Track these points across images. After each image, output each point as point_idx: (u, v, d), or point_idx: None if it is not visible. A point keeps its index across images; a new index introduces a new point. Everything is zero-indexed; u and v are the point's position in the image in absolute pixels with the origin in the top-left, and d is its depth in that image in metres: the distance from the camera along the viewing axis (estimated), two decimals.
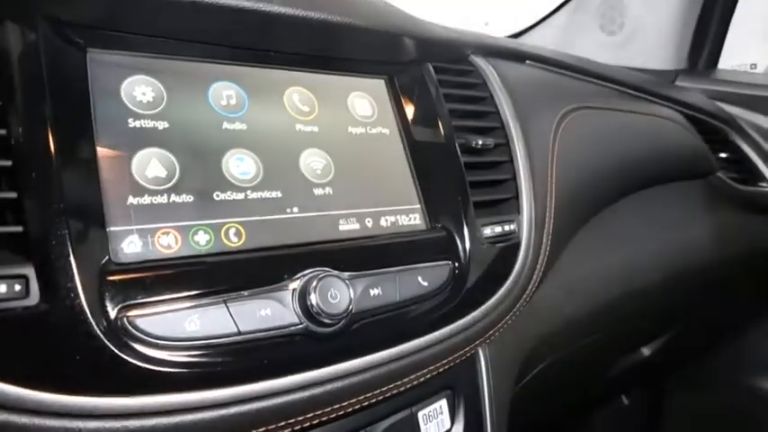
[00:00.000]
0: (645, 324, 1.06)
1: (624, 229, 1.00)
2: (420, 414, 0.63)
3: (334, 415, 0.54)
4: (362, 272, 0.56)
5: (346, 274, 0.55)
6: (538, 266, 0.73)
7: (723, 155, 1.33)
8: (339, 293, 0.53)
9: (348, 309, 0.53)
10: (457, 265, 0.63)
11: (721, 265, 1.17)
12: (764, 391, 1.48)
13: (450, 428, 0.66)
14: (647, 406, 1.67)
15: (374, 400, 0.57)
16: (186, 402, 0.45)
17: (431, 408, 0.64)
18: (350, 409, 0.55)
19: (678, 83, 1.52)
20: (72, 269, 0.43)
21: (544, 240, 0.76)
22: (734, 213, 1.26)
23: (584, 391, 1.18)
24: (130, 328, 0.44)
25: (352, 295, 0.53)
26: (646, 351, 1.25)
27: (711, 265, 1.14)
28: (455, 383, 0.67)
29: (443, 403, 0.66)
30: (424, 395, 0.64)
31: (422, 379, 0.60)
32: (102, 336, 0.43)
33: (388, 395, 0.58)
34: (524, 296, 0.70)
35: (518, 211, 0.73)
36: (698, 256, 1.10)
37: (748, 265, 1.28)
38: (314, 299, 0.51)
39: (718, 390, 1.54)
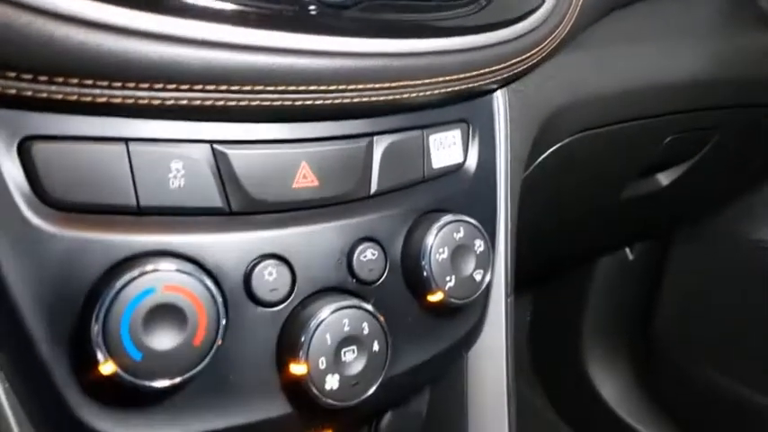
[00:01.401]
0: (669, 134, 1.01)
1: (655, 26, 0.92)
2: (431, 138, 0.58)
3: (338, 100, 0.49)
4: None
5: None
6: (570, 11, 0.66)
7: None
8: None
9: None
10: None
11: (753, 87, 1.09)
12: None
13: (463, 163, 0.61)
14: (651, 261, 1.65)
15: (381, 98, 0.51)
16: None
17: (443, 134, 0.59)
18: (355, 99, 0.50)
19: None
20: None
21: None
22: None
23: (597, 208, 1.14)
24: None
25: None
26: (664, 180, 1.20)
27: (743, 86, 1.06)
28: (470, 118, 0.62)
29: (457, 134, 0.60)
30: (438, 122, 0.59)
31: (435, 91, 0.55)
32: None
33: (396, 97, 0.52)
34: (553, 36, 0.64)
35: None
36: (729, 72, 1.02)
37: None
38: None
39: (724, 244, 1.51)
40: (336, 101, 0.50)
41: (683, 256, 1.59)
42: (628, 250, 1.67)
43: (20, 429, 0.42)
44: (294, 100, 0.47)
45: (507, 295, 0.67)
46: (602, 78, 0.79)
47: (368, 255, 0.53)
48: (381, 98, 0.52)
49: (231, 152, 0.47)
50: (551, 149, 0.80)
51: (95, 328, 0.39)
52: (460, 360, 0.67)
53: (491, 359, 0.67)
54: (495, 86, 0.64)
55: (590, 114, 0.80)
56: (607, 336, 1.72)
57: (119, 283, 0.40)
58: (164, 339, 0.41)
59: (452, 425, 0.68)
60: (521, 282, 0.72)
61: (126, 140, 0.43)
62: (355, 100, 0.51)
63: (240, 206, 0.48)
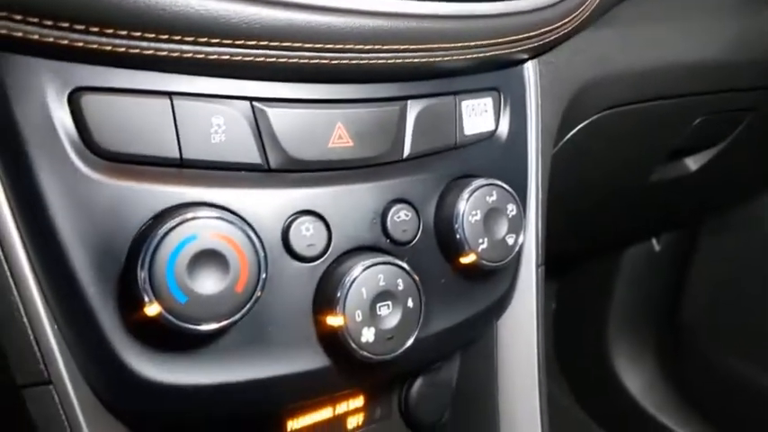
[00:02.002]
0: (699, 115, 1.00)
1: (677, 6, 0.91)
2: (464, 104, 0.59)
3: (373, 61, 0.50)
4: None
5: None
6: None
7: None
8: None
9: None
10: None
11: None
12: None
13: (495, 130, 0.62)
14: (677, 252, 1.64)
15: (414, 60, 0.52)
16: None
17: (475, 102, 0.60)
18: (390, 60, 0.51)
19: None
20: None
21: None
22: None
23: (624, 191, 1.13)
24: None
25: None
26: (693, 165, 1.19)
27: None
28: (502, 87, 0.62)
29: (489, 102, 0.61)
30: (470, 89, 0.60)
31: (467, 56, 0.55)
32: None
33: (429, 60, 0.53)
34: (583, 7, 0.64)
35: None
36: (753, 53, 1.01)
37: None
38: None
39: (754, 234, 1.49)
40: (372, 61, 0.51)
41: (712, 246, 1.57)
42: (654, 241, 1.66)
43: (67, 371, 0.44)
44: (331, 59, 0.49)
45: (538, 265, 0.67)
46: (630, 56, 0.79)
47: (401, 216, 0.54)
48: (415, 60, 0.53)
49: (270, 110, 0.48)
50: (580, 126, 0.80)
51: (142, 272, 0.41)
52: (491, 328, 0.67)
53: (522, 329, 0.67)
54: (526, 56, 0.64)
55: (619, 91, 0.80)
56: (633, 328, 1.70)
57: (163, 230, 0.41)
58: (208, 284, 0.42)
59: (483, 394, 0.69)
60: (548, 265, 0.72)
61: (170, 95, 0.45)
62: (390, 61, 0.52)
63: (278, 163, 0.49)
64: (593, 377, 1.73)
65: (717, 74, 0.95)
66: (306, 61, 0.48)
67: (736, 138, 1.15)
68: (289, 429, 0.60)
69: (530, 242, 0.66)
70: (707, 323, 1.58)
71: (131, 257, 0.42)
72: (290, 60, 0.47)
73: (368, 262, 0.49)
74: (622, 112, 0.84)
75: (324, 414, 0.62)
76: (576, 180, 0.93)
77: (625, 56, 0.80)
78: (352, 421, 0.64)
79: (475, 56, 0.57)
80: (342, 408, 0.63)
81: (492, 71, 0.62)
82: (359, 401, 0.64)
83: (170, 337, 0.43)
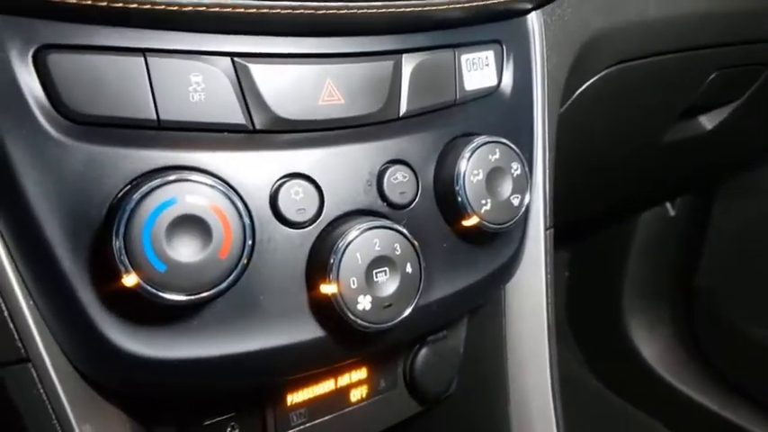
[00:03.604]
0: (714, 69, 0.95)
1: None
2: (463, 58, 0.55)
3: (364, 10, 0.47)
4: None
5: None
6: None
7: None
8: None
9: None
10: None
11: None
12: None
13: (498, 85, 0.58)
14: (692, 216, 1.60)
15: (409, 9, 0.49)
16: None
17: (476, 55, 0.56)
18: (381, 9, 0.47)
19: None
20: None
21: None
22: None
23: (637, 153, 1.09)
24: None
25: None
26: (708, 124, 1.14)
27: None
28: (504, 39, 0.58)
29: (490, 55, 0.57)
30: (470, 41, 0.56)
31: (465, 5, 0.52)
32: None
33: (425, 9, 0.50)
34: None
35: None
36: None
37: None
38: None
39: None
40: (362, 11, 0.47)
41: (728, 209, 1.53)
42: (669, 206, 1.62)
43: (45, 347, 0.42)
44: (316, 9, 0.45)
45: (547, 227, 0.64)
46: (640, 5, 0.75)
47: (398, 177, 0.51)
48: (409, 9, 0.49)
49: (253, 66, 0.45)
50: (589, 82, 0.76)
51: (117, 240, 0.38)
52: (498, 294, 0.64)
53: (531, 295, 0.65)
54: (529, 5, 0.60)
55: (629, 43, 0.76)
56: (648, 294, 1.67)
57: (138, 195, 0.39)
58: (188, 252, 0.40)
59: (491, 363, 0.66)
60: (558, 233, 0.69)
61: (144, 52, 0.42)
62: (382, 11, 0.48)
63: (263, 123, 0.46)
64: (608, 345, 1.71)
65: (732, 24, 0.90)
66: (289, 12, 0.44)
67: (753, 94, 1.10)
68: (288, 403, 0.58)
69: (537, 203, 0.63)
70: (723, 288, 1.55)
71: (107, 226, 0.39)
72: (272, 11, 0.44)
73: (363, 226, 0.46)
74: (633, 67, 0.80)
75: (325, 387, 0.60)
76: (586, 141, 0.89)
77: (635, 5, 0.75)
78: (356, 394, 0.62)
79: (474, 4, 0.53)
80: (344, 380, 0.61)
81: (493, 22, 0.58)
82: (361, 373, 0.62)
83: (152, 309, 0.40)
